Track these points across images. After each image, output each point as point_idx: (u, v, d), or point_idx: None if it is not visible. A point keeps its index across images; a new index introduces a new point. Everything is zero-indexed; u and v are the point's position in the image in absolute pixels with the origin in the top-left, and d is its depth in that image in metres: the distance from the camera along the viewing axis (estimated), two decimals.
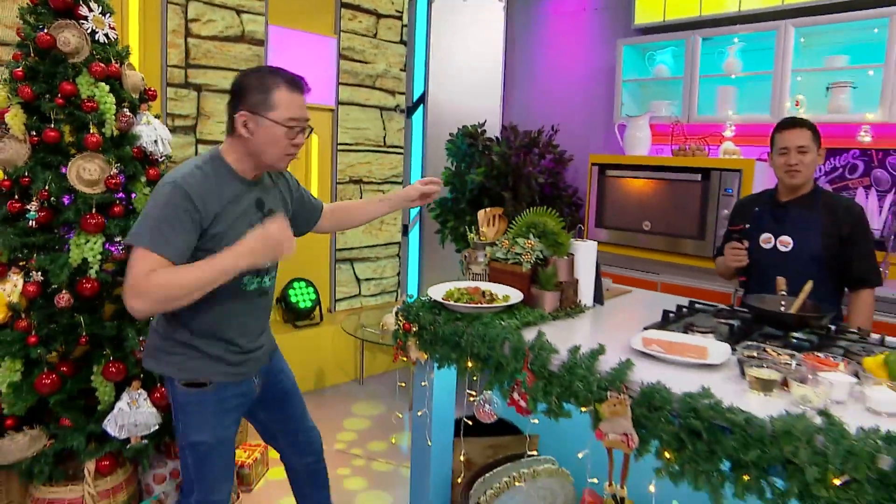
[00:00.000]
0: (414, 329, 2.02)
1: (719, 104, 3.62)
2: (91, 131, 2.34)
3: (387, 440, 3.46)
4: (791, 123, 2.45)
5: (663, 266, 3.67)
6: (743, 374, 1.56)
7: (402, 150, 4.82)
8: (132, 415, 2.25)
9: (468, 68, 4.86)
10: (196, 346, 1.79)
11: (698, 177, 3.40)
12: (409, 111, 4.80)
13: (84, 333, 2.27)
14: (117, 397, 2.32)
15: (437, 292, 2.03)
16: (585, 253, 2.20)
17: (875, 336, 1.98)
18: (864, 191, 3.36)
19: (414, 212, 4.91)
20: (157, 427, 2.34)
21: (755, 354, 1.61)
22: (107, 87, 2.39)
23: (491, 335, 1.79)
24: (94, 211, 2.30)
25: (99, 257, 2.30)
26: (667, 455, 1.44)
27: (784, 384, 1.47)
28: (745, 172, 3.25)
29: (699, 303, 2.28)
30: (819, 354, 1.63)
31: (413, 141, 4.82)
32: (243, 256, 1.60)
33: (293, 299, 4.17)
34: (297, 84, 1.75)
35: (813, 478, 1.21)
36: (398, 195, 2.21)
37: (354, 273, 4.64)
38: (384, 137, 4.70)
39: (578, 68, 4.57)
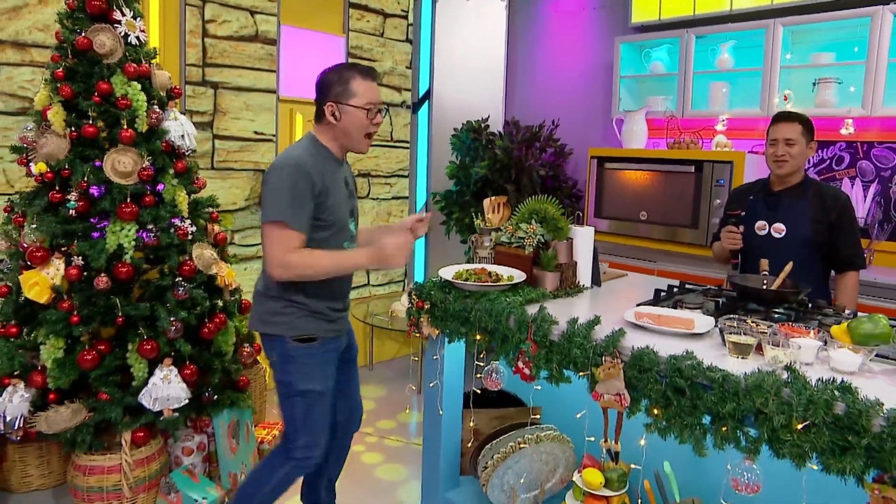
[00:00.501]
0: (426, 306, 2.20)
1: (712, 99, 3.79)
2: (124, 127, 2.52)
3: (395, 419, 3.65)
4: (781, 117, 2.64)
5: (659, 254, 3.85)
6: (724, 341, 1.74)
7: (408, 145, 4.99)
8: (164, 388, 2.43)
9: (471, 65, 5.03)
10: (306, 304, 2.08)
11: (692, 168, 3.58)
12: (415, 107, 4.97)
13: (120, 314, 2.45)
14: (150, 373, 2.50)
15: (447, 273, 2.21)
16: (583, 237, 2.38)
17: (848, 311, 2.16)
18: (850, 181, 3.54)
19: (419, 204, 5.09)
20: (186, 401, 2.53)
21: (735, 325, 1.80)
22: (138, 86, 2.57)
23: (497, 310, 1.98)
24: (128, 200, 2.48)
25: (133, 243, 2.49)
26: (655, 412, 1.62)
27: (759, 349, 1.65)
28: (735, 164, 3.43)
29: (689, 283, 2.46)
30: (793, 324, 1.81)
31: (419, 136, 4.99)
32: (373, 260, 2.00)
33: None
34: (370, 73, 2.09)
35: (779, 424, 1.39)
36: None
37: None
38: (391, 132, 4.87)
39: (578, 65, 4.74)
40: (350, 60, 4.52)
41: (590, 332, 1.77)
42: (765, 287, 2.19)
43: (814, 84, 3.45)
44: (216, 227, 3.01)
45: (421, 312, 2.22)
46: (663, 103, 3.99)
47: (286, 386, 2.12)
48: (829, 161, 3.64)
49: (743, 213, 2.69)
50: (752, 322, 1.85)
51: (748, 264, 2.71)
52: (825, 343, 1.65)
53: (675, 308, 2.09)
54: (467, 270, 2.22)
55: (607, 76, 4.45)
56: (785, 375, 1.46)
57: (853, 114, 3.32)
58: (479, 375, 2.14)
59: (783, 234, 2.59)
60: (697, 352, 1.63)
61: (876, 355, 1.63)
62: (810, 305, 2.17)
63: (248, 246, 4.17)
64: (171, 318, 2.52)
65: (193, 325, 2.67)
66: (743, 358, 1.64)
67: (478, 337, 2.04)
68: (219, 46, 3.86)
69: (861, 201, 3.48)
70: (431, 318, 2.21)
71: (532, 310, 1.96)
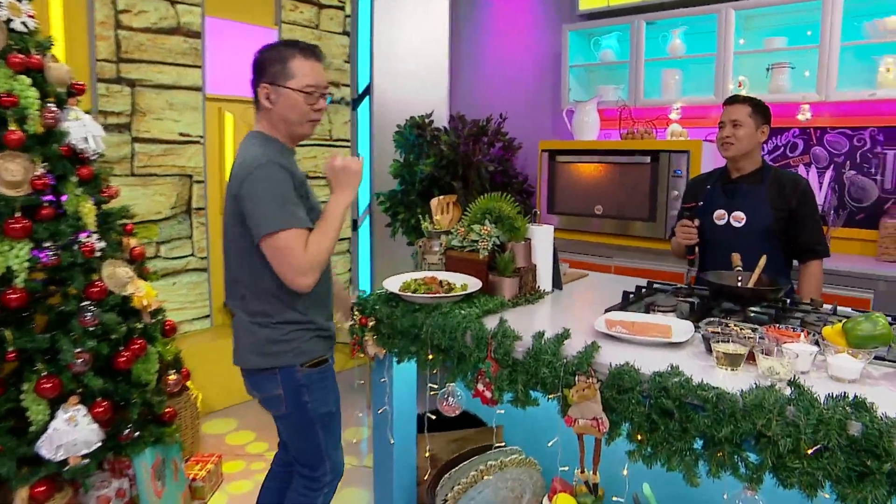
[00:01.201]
0: (371, 323, 1.94)
1: (665, 87, 3.65)
2: (12, 128, 2.16)
3: (346, 439, 3.36)
4: (730, 99, 2.54)
5: (616, 249, 3.69)
6: (709, 350, 1.54)
7: (349, 144, 4.71)
8: (70, 433, 2.09)
9: (414, 58, 4.78)
10: (312, 322, 1.87)
11: (647, 159, 3.42)
12: (355, 103, 4.69)
13: (11, 348, 2.10)
14: (52, 416, 2.15)
15: (393, 284, 1.96)
16: (542, 237, 2.16)
17: (827, 306, 2.01)
18: (805, 168, 3.45)
19: (363, 206, 4.81)
20: (99, 444, 2.19)
21: (719, 330, 1.60)
22: (28, 81, 2.21)
23: (451, 325, 1.73)
24: (18, 215, 2.13)
25: (26, 265, 2.13)
26: (639, 437, 1.41)
27: (750, 358, 1.46)
28: (692, 153, 3.28)
29: (657, 283, 2.27)
30: (780, 326, 1.63)
31: (360, 133, 4.71)
32: (344, 191, 1.85)
33: None
34: (312, 52, 1.84)
35: (786, 449, 1.20)
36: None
37: None
38: (330, 131, 4.58)
39: (525, 55, 4.55)
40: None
41: (559, 347, 1.54)
42: (740, 284, 2.02)
43: (767, 69, 3.35)
44: (132, 241, 2.67)
45: (365, 330, 1.96)
46: (615, 93, 3.83)
47: (303, 418, 1.90)
48: (783, 148, 3.55)
49: (700, 205, 2.55)
50: (735, 326, 1.66)
51: (709, 257, 2.56)
52: (820, 348, 1.48)
53: (648, 312, 1.89)
54: (415, 280, 1.97)
55: (556, 66, 4.27)
56: (788, 391, 1.26)
57: (808, 99, 3.22)
58: (433, 393, 1.89)
59: (743, 222, 2.46)
60: (681, 363, 1.43)
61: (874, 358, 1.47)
62: (788, 302, 2.01)
63: (175, 258, 3.81)
64: (77, 349, 2.18)
65: (106, 355, 2.33)
66: (733, 370, 1.44)
67: (430, 356, 1.79)
68: (135, 39, 3.49)
69: (816, 188, 3.39)
70: (377, 336, 1.95)
71: (491, 322, 1.72)
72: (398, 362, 1.94)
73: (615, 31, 3.90)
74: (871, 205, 3.34)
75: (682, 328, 1.70)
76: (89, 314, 2.25)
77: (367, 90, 4.67)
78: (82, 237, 2.30)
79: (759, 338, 1.58)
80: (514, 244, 2.05)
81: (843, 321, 1.49)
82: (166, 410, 2.57)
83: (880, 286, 2.95)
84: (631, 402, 1.41)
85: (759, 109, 2.48)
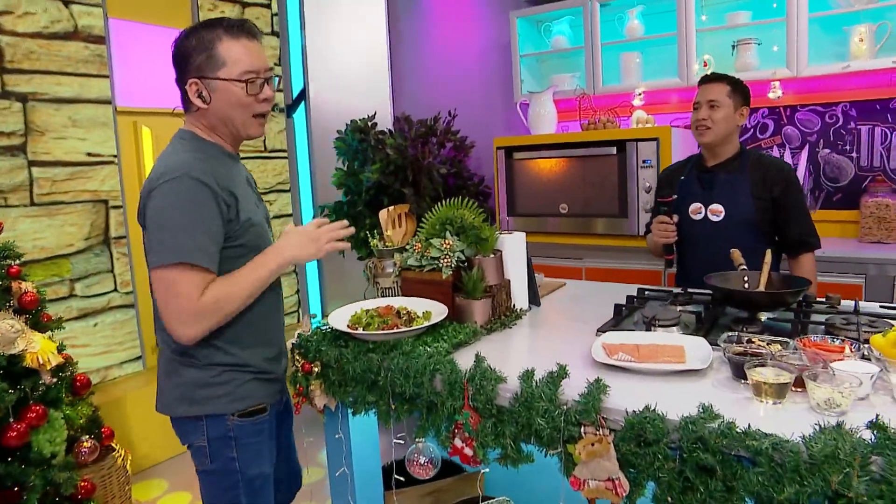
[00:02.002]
0: (316, 370, 1.58)
1: (625, 72, 3.39)
2: None
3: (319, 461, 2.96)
4: (706, 78, 2.29)
5: (586, 250, 3.40)
6: (737, 376, 1.24)
7: (286, 154, 4.30)
8: None
9: (351, 57, 4.42)
10: (248, 363, 1.51)
11: (613, 150, 3.15)
12: (289, 110, 4.29)
13: None
14: None
15: (339, 319, 1.60)
16: (514, 247, 1.84)
17: (846, 303, 1.75)
18: (778, 150, 3.24)
19: (307, 221, 4.40)
20: None
21: (743, 350, 1.31)
22: None
23: (415, 367, 1.39)
24: None
25: None
26: (669, 501, 1.09)
27: (796, 384, 1.16)
28: (662, 141, 3.02)
29: (648, 289, 1.98)
30: (814, 338, 1.34)
31: (297, 142, 4.32)
32: (287, 250, 1.49)
33: None
34: (242, 29, 1.46)
35: None
36: None
37: None
38: (263, 141, 4.16)
39: (471, 47, 4.24)
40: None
41: (555, 390, 1.21)
42: (747, 286, 1.74)
43: (733, 46, 3.12)
44: (23, 285, 2.22)
45: (310, 378, 1.59)
46: (571, 81, 3.56)
47: (226, 475, 1.52)
48: (752, 129, 3.33)
49: (674, 197, 2.28)
50: (759, 340, 1.37)
51: (688, 255, 2.33)
52: (878, 365, 1.19)
53: (649, 329, 1.58)
54: (367, 311, 1.62)
55: (505, 57, 3.97)
56: (868, 434, 0.97)
57: (778, 76, 3.00)
58: (401, 443, 1.54)
59: (721, 216, 2.20)
60: (711, 400, 1.12)
61: None
62: (801, 301, 1.74)
63: (95, 296, 3.34)
64: None
65: None
66: (777, 402, 1.14)
67: (393, 407, 1.44)
68: (22, 46, 3.01)
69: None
70: (326, 384, 1.59)
71: (465, 359, 1.39)
72: (353, 414, 1.58)
73: (567, 16, 3.62)
74: (848, 183, 3.15)
75: (696, 349, 1.39)
76: None
77: (302, 94, 4.29)
78: None
79: (792, 353, 1.30)
80: (482, 258, 1.71)
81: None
82: (81, 486, 2.14)
83: (871, 270, 2.74)
84: (656, 458, 1.09)
85: (739, 88, 2.23)
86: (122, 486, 2.63)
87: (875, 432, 0.95)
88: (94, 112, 3.30)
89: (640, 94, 3.31)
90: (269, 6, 4.19)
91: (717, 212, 2.21)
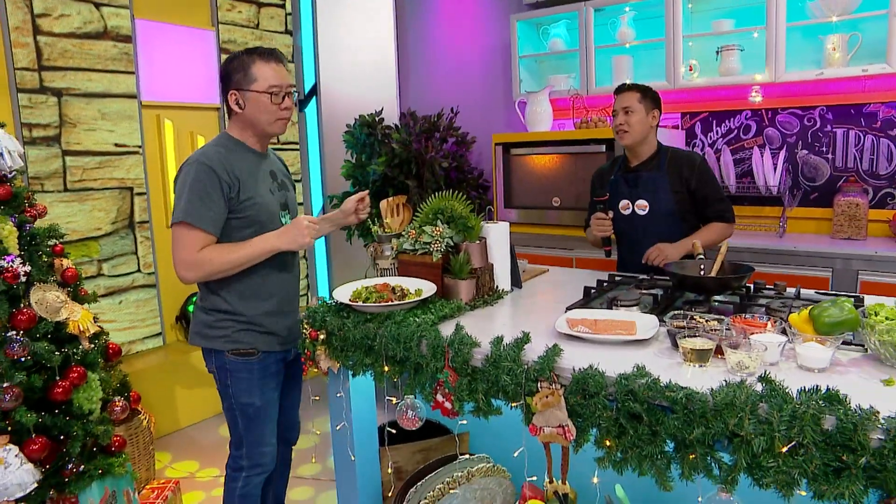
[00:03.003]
0: (321, 336, 1.83)
1: (616, 74, 3.60)
2: None
3: (310, 459, 3.23)
4: (619, 88, 2.58)
5: (577, 241, 3.63)
6: (675, 345, 1.48)
7: (297, 146, 4.55)
8: (1, 476, 1.92)
9: (360, 55, 4.65)
10: (242, 314, 1.96)
11: (603, 148, 3.37)
12: (302, 104, 4.53)
13: None
14: None
15: (342, 294, 1.85)
16: (497, 235, 2.08)
17: (790, 290, 1.97)
18: (759, 150, 3.44)
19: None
20: (35, 485, 2.02)
21: (684, 324, 1.54)
22: None
23: (405, 334, 1.63)
24: None
25: None
26: (607, 443, 1.33)
27: (718, 352, 1.40)
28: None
29: (619, 275, 2.21)
30: (745, 316, 1.57)
31: (309, 135, 4.57)
32: (281, 238, 1.89)
33: None
34: (272, 55, 1.95)
35: (760, 448, 1.14)
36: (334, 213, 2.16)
37: None
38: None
39: (473, 48, 4.46)
40: (221, 55, 4.03)
41: (519, 353, 1.46)
42: (703, 272, 1.97)
43: (717, 52, 3.33)
44: (65, 262, 2.49)
45: (316, 344, 1.84)
46: (566, 82, 3.78)
47: (226, 398, 2.04)
48: (736, 130, 3.54)
49: (608, 196, 2.55)
50: (701, 318, 1.60)
51: (623, 247, 2.64)
52: (788, 337, 1.42)
53: (611, 308, 1.82)
54: (367, 288, 1.86)
55: (505, 57, 4.19)
56: (759, 387, 1.20)
57: (759, 80, 3.21)
58: (394, 403, 1.79)
59: (647, 210, 2.50)
60: (647, 362, 1.36)
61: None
62: (752, 288, 1.97)
63: (120, 276, 3.62)
64: (5, 384, 2.01)
65: (41, 387, 2.16)
66: (702, 366, 1.38)
67: (386, 369, 1.69)
68: (58, 46, 3.28)
69: (771, 170, 3.39)
70: (330, 349, 1.84)
71: (447, 329, 1.63)
72: (353, 376, 1.83)
73: (563, 20, 3.84)
74: (824, 183, 3.36)
75: (646, 323, 1.63)
76: (17, 344, 2.08)
77: (314, 90, 4.53)
78: (4, 262, 2.12)
79: (726, 329, 1.53)
80: (469, 244, 1.96)
81: (810, 308, 1.44)
82: (114, 440, 2.40)
83: (837, 264, 2.96)
84: (597, 408, 1.33)
85: (649, 95, 2.52)
86: (147, 446, 2.91)
87: (764, 384, 1.19)
88: (122, 106, 3.56)
89: None
90: (283, 6, 4.42)
91: (642, 206, 2.50)
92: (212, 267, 1.85)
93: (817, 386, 1.15)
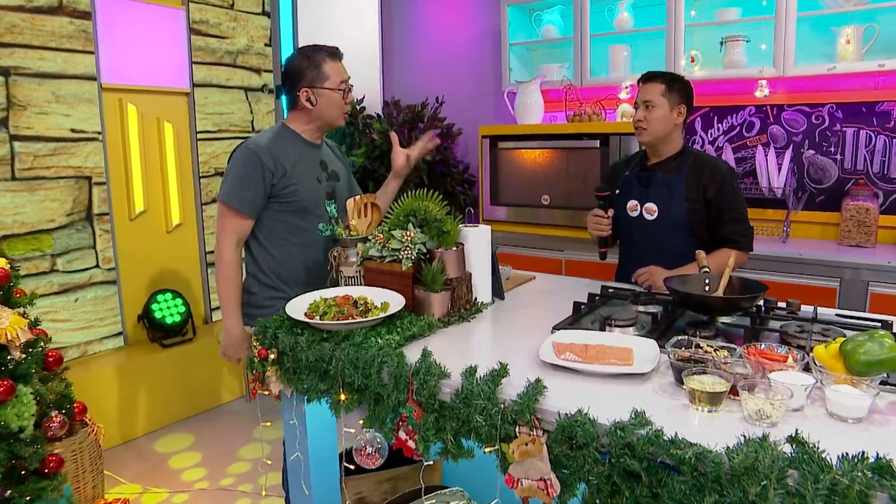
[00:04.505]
0: (272, 356, 1.59)
1: (612, 64, 3.37)
2: None
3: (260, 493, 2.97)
4: (643, 77, 2.24)
5: (567, 242, 3.41)
6: (679, 381, 1.25)
7: None
8: None
9: (342, 40, 4.35)
10: (283, 290, 2.03)
11: (597, 143, 3.14)
12: (279, 91, 4.26)
13: None
14: None
15: (297, 308, 1.60)
16: (477, 240, 1.84)
17: (806, 308, 1.75)
18: (763, 149, 3.22)
19: None
20: None
21: (689, 354, 1.32)
22: None
23: (364, 359, 1.40)
24: None
25: None
26: None
27: (731, 391, 1.17)
28: None
29: (612, 287, 1.98)
30: (760, 346, 1.35)
31: None
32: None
33: (158, 315, 3.58)
34: (337, 53, 2.07)
35: None
36: (397, 166, 2.30)
37: None
38: (252, 122, 4.14)
39: (461, 34, 4.21)
40: (191, 36, 3.75)
41: (495, 389, 1.22)
42: (708, 289, 1.75)
43: (721, 43, 3.10)
44: None
45: (266, 364, 1.60)
46: (559, 71, 3.54)
47: None
48: (739, 127, 3.31)
49: (617, 192, 2.26)
50: (708, 346, 1.38)
51: (623, 250, 2.36)
52: (814, 376, 1.20)
53: (604, 329, 1.59)
54: (326, 300, 1.62)
55: (495, 45, 3.94)
56: (787, 447, 0.97)
57: (765, 74, 2.98)
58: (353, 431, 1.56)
59: (655, 215, 2.19)
60: (647, 403, 1.14)
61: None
62: (761, 306, 1.74)
63: (76, 272, 3.35)
64: None
65: None
66: (712, 410, 1.15)
67: (342, 397, 1.45)
68: (5, 20, 2.99)
69: (775, 171, 3.17)
70: (281, 371, 1.60)
71: (414, 353, 1.40)
72: (308, 402, 1.60)
73: (557, 6, 3.59)
74: (831, 186, 3.15)
75: (645, 352, 1.40)
76: None
77: None
78: None
79: (737, 359, 1.31)
80: (444, 252, 1.72)
81: (842, 342, 1.21)
82: (48, 460, 2.15)
83: (846, 274, 2.75)
84: (586, 461, 1.10)
85: (675, 86, 2.17)
86: (94, 461, 2.66)
87: (794, 446, 0.96)
88: (79, 88, 3.28)
89: (626, 88, 3.30)
90: None
91: (651, 210, 2.21)
92: (218, 265, 2.02)
93: (864, 453, 0.92)
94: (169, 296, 3.65)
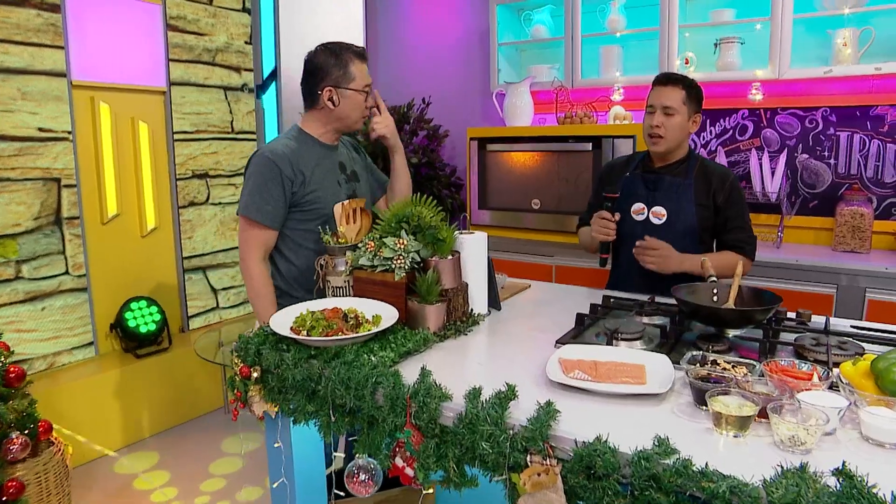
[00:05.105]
0: (255, 374, 1.47)
1: (604, 65, 3.30)
2: None
3: (263, 483, 2.85)
4: (663, 79, 2.13)
5: (557, 247, 3.32)
6: (699, 401, 1.16)
7: (254, 136, 4.14)
8: None
9: (325, 38, 4.23)
10: (295, 296, 1.95)
11: (589, 146, 3.06)
12: (259, 90, 4.13)
13: None
14: None
15: (282, 322, 1.48)
16: (474, 248, 1.74)
17: (817, 319, 1.68)
18: (757, 153, 3.17)
19: None
20: None
21: (706, 373, 1.23)
22: None
23: (357, 379, 1.28)
24: None
25: None
26: None
27: (760, 414, 1.08)
28: (639, 139, 2.94)
29: (615, 297, 1.89)
30: (781, 362, 1.26)
31: (267, 124, 4.16)
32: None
33: (132, 324, 3.42)
34: (363, 55, 2.00)
35: None
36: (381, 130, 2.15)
37: (209, 283, 3.94)
38: (231, 122, 4.00)
39: (449, 33, 4.11)
40: (168, 33, 3.60)
41: (503, 413, 1.12)
42: (716, 299, 1.66)
43: (715, 45, 3.03)
44: None
45: (248, 384, 1.48)
46: (549, 73, 3.45)
47: None
48: (732, 131, 3.26)
49: (618, 195, 2.14)
50: (724, 362, 1.29)
51: (623, 255, 2.21)
52: (845, 396, 1.12)
53: (611, 343, 1.50)
54: (313, 313, 1.51)
55: (483, 44, 3.85)
56: (831, 480, 0.88)
57: (760, 76, 2.93)
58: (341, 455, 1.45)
59: (663, 219, 2.10)
60: (667, 428, 1.05)
61: None
62: (773, 318, 1.66)
63: (44, 279, 3.18)
64: None
65: None
66: (738, 436, 1.06)
67: (333, 419, 1.34)
68: None
69: (769, 175, 3.12)
70: (265, 391, 1.48)
71: (410, 371, 1.29)
72: (294, 423, 1.48)
73: (548, 5, 3.51)
74: (824, 190, 3.10)
75: (658, 369, 1.31)
76: None
77: (273, 75, 4.13)
78: None
79: (758, 377, 1.22)
80: (439, 261, 1.61)
81: (873, 360, 1.13)
82: (7, 486, 2.01)
83: (843, 280, 2.70)
84: (606, 493, 1.00)
85: (694, 93, 2.09)
86: (61, 482, 2.50)
87: (841, 479, 0.87)
88: (47, 85, 3.12)
89: (618, 89, 3.22)
90: None
91: (659, 214, 2.11)
92: (248, 285, 1.95)
93: None
94: (143, 303, 3.50)
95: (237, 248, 4.02)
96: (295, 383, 1.39)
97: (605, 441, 1.01)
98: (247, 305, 4.16)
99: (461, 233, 1.72)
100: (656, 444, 1.00)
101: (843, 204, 2.93)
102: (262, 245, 1.92)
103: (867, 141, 2.99)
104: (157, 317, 3.51)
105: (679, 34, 3.04)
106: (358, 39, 4.38)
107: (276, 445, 1.54)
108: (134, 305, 3.47)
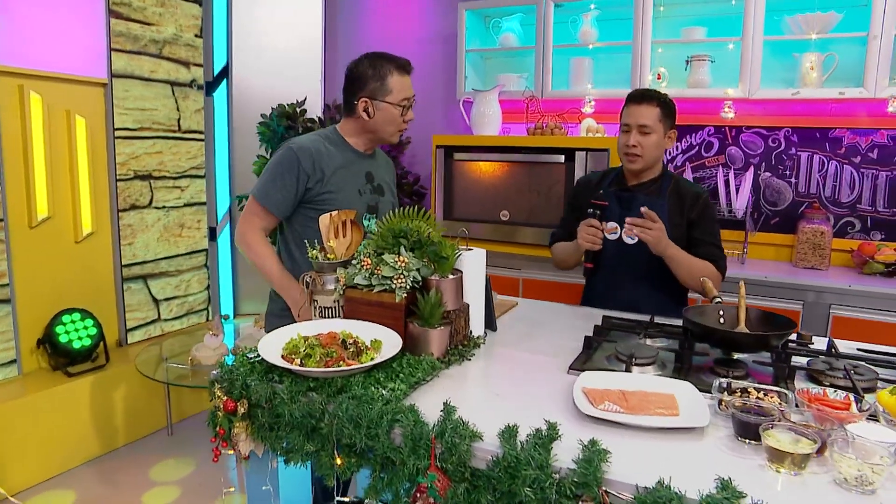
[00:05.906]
0: (242, 410, 1.30)
1: (575, 77, 3.26)
2: None
3: None
4: (638, 97, 2.06)
5: (525, 261, 3.25)
6: (740, 434, 1.10)
7: (202, 136, 3.89)
8: None
9: (281, 34, 4.05)
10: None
11: (562, 158, 3.01)
12: (210, 87, 3.88)
13: None
14: None
15: (271, 349, 1.32)
16: (473, 266, 1.64)
17: (819, 340, 1.66)
18: (723, 170, 3.21)
19: (222, 212, 4.02)
20: None
21: (744, 403, 1.16)
22: None
23: (370, 416, 1.15)
24: None
25: None
26: None
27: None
28: (612, 153, 2.91)
29: (613, 317, 1.82)
30: (812, 390, 1.22)
31: (216, 124, 3.92)
32: (288, 292, 1.87)
33: (63, 338, 3.10)
34: (406, 67, 1.95)
35: None
36: None
37: (150, 292, 3.65)
38: (178, 120, 3.73)
39: (414, 37, 3.99)
40: (111, 20, 3.32)
41: (548, 456, 1.01)
42: (723, 321, 1.62)
43: (686, 62, 3.05)
44: None
45: (234, 420, 1.31)
46: (518, 82, 3.39)
47: None
48: (697, 147, 3.29)
49: (592, 211, 2.05)
50: (756, 392, 1.23)
51: (596, 276, 2.15)
52: (875, 418, 1.07)
53: (628, 369, 1.42)
54: (305, 339, 1.35)
55: (449, 50, 3.75)
56: None
57: (731, 95, 2.96)
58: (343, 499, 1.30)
59: (637, 239, 1.99)
60: (715, 462, 0.98)
61: None
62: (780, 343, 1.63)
63: None
64: None
65: None
66: (797, 474, 0.99)
67: (339, 461, 1.19)
68: None
69: (735, 192, 3.16)
70: (253, 427, 1.32)
71: (425, 402, 1.16)
72: (287, 464, 1.32)
73: (518, 13, 3.45)
74: (786, 208, 3.17)
75: (687, 398, 1.24)
76: None
77: (225, 72, 3.90)
78: None
79: (794, 407, 1.17)
80: (440, 280, 1.49)
81: None
82: None
83: (809, 297, 2.75)
84: None
85: (668, 110, 2.05)
86: None
87: None
88: None
89: (590, 102, 3.19)
90: None
91: (632, 234, 2.00)
92: (251, 255, 1.92)
93: None
94: (77, 316, 3.19)
95: (182, 255, 3.81)
96: (292, 420, 1.24)
97: (668, 485, 0.92)
98: (191, 317, 3.90)
99: (462, 248, 1.60)
100: (720, 486, 0.92)
101: (804, 222, 3.00)
102: (263, 226, 1.92)
103: (826, 162, 3.07)
104: (93, 331, 3.21)
105: (651, 49, 3.04)
106: (316, 37, 4.19)
107: (264, 488, 1.37)
108: (66, 318, 3.16)
